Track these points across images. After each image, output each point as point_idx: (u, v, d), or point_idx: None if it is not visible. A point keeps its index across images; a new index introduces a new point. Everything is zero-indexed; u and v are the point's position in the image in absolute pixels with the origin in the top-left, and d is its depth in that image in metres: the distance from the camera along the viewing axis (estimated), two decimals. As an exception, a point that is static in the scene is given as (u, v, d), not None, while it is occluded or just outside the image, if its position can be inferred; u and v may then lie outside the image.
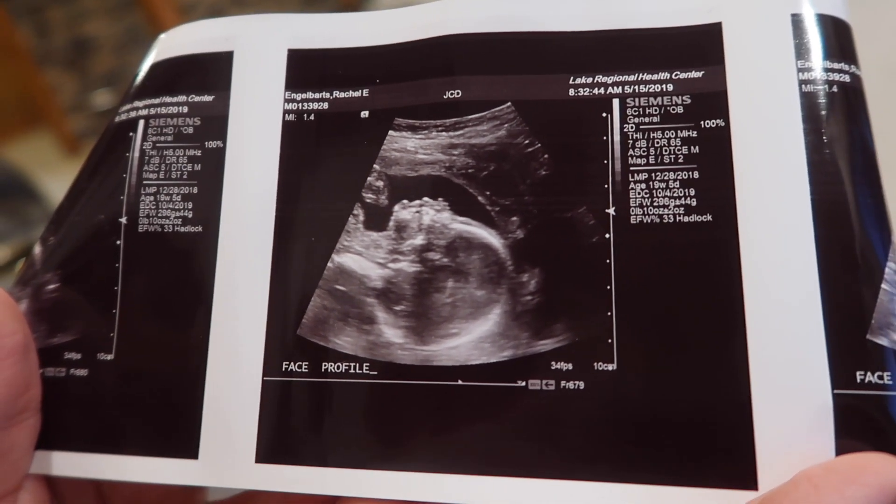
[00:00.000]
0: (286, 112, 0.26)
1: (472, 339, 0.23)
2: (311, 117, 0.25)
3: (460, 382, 0.22)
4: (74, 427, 0.25)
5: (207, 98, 0.26)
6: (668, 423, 0.21)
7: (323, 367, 0.23)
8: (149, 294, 0.25)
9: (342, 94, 0.25)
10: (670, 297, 0.22)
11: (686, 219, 0.22)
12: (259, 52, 0.26)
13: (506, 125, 0.24)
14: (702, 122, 0.22)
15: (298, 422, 0.23)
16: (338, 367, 0.23)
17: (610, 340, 0.22)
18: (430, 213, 0.24)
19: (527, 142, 0.23)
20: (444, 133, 0.24)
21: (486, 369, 0.22)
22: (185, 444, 0.24)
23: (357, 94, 0.25)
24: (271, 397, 0.24)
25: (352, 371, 0.23)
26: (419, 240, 0.24)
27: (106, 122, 0.28)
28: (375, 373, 0.23)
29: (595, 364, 0.22)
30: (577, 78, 0.24)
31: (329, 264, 0.24)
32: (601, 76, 0.23)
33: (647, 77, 0.23)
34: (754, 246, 0.21)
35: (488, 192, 0.23)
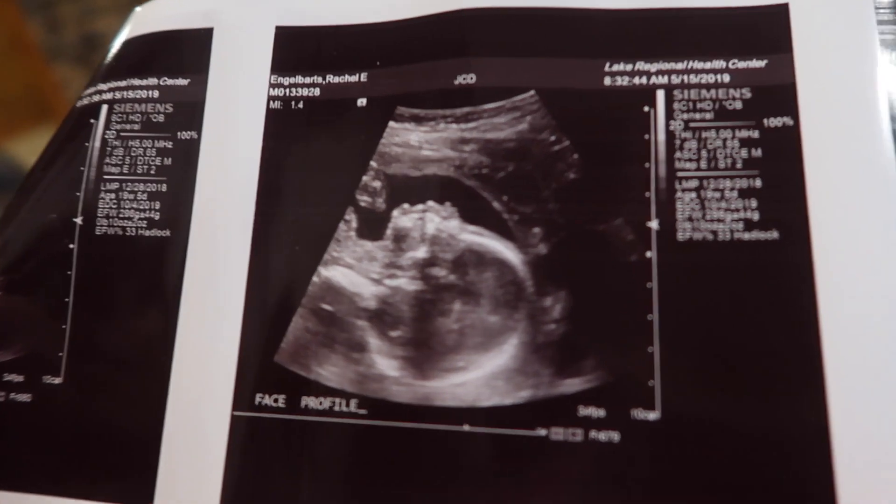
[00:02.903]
0: (271, 98, 0.22)
1: (482, 374, 0.19)
2: (300, 105, 0.22)
3: (467, 428, 0.18)
4: (11, 462, 0.21)
5: (182, 81, 0.23)
6: (723, 487, 0.17)
7: (302, 403, 0.20)
8: (105, 308, 0.21)
9: (336, 79, 0.22)
10: (726, 330, 0.18)
11: (746, 236, 0.18)
12: (242, 29, 0.23)
13: (528, 117, 0.20)
14: (765, 120, 0.19)
15: (271, 467, 0.19)
16: (320, 403, 0.19)
17: (651, 382, 0.18)
18: (435, 221, 0.20)
19: (553, 138, 0.20)
20: (454, 125, 0.20)
21: (498, 413, 0.18)
22: (138, 488, 0.20)
23: (353, 78, 0.21)
24: (241, 435, 0.20)
25: (336, 408, 0.19)
26: (421, 252, 0.20)
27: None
28: (364, 411, 0.19)
29: (633, 411, 0.18)
30: (614, 64, 0.20)
31: (314, 278, 0.20)
32: (643, 63, 0.20)
33: (699, 65, 0.19)
34: (832, 269, 0.17)
35: (505, 198, 0.20)
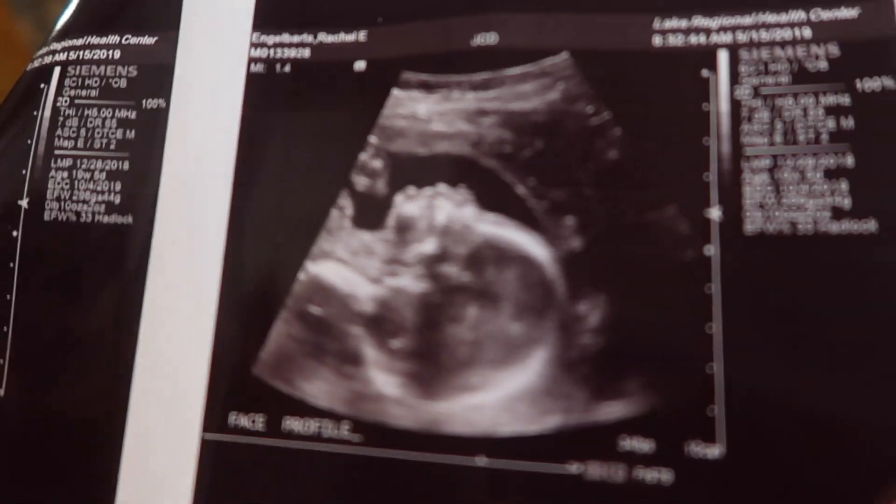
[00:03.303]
0: (252, 60, 0.19)
1: (501, 396, 0.15)
2: (287, 68, 0.18)
3: (481, 461, 0.15)
4: None
5: (148, 40, 0.19)
6: None
7: (285, 425, 0.16)
8: (54, 308, 0.18)
9: (330, 39, 0.18)
10: (808, 346, 0.14)
11: (835, 227, 0.14)
12: None
13: (560, 85, 0.16)
14: (858, 82, 0.15)
15: (247, 499, 0.16)
16: (305, 426, 0.16)
17: (711, 409, 0.14)
18: (446, 208, 0.16)
19: (590, 110, 0.16)
20: (470, 94, 0.17)
21: (521, 444, 0.15)
22: None
23: (351, 37, 0.18)
24: (211, 463, 0.16)
25: (325, 433, 0.16)
26: (429, 245, 0.16)
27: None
28: (358, 438, 0.16)
29: (688, 445, 0.14)
30: (665, 20, 0.16)
31: (301, 275, 0.17)
32: (702, 17, 0.16)
33: (772, 18, 0.16)
34: None
35: (532, 181, 0.16)
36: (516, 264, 0.16)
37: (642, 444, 0.14)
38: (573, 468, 0.14)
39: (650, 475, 0.14)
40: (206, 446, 0.17)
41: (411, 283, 0.16)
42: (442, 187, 0.17)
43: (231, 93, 0.18)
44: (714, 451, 0.14)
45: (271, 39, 0.19)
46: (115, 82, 0.19)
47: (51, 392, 0.18)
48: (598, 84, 0.16)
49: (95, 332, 0.18)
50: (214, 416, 0.17)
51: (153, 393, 0.17)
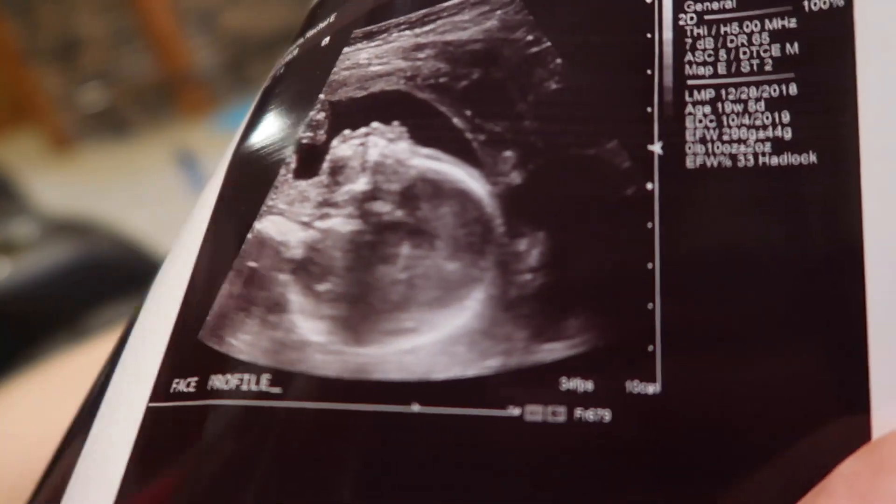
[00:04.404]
0: (268, 79, 0.19)
1: (437, 338, 0.14)
2: (281, 70, 0.19)
3: (416, 408, 0.14)
4: None
5: None
6: (735, 477, 0.13)
7: (209, 384, 0.15)
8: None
9: (311, 32, 0.18)
10: (747, 282, 0.14)
11: (775, 160, 0.14)
12: None
13: (498, 12, 0.16)
14: (805, 2, 0.14)
15: (168, 468, 0.15)
16: (227, 382, 0.15)
17: (651, 347, 0.14)
18: (379, 145, 0.16)
19: (530, 38, 0.15)
20: (407, 32, 0.16)
21: (458, 387, 0.14)
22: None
23: (324, 23, 0.18)
24: (149, 430, 0.15)
25: (245, 387, 0.15)
26: (361, 184, 0.15)
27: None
28: (279, 390, 0.15)
29: (628, 383, 0.14)
30: None
31: (249, 235, 0.16)
32: None
33: None
34: (886, 208, 0.13)
35: (469, 112, 0.15)
36: (452, 200, 0.15)
37: (583, 384, 0.14)
38: (514, 411, 0.14)
39: (590, 414, 0.14)
40: (147, 415, 0.16)
41: (341, 223, 0.15)
42: (376, 125, 0.16)
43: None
44: (652, 389, 0.13)
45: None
46: None
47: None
48: (538, 12, 0.16)
49: None
50: (160, 385, 0.16)
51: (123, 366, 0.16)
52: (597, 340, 0.14)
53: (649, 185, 0.14)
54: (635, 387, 0.14)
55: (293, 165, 0.16)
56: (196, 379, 0.15)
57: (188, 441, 0.15)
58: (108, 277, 0.56)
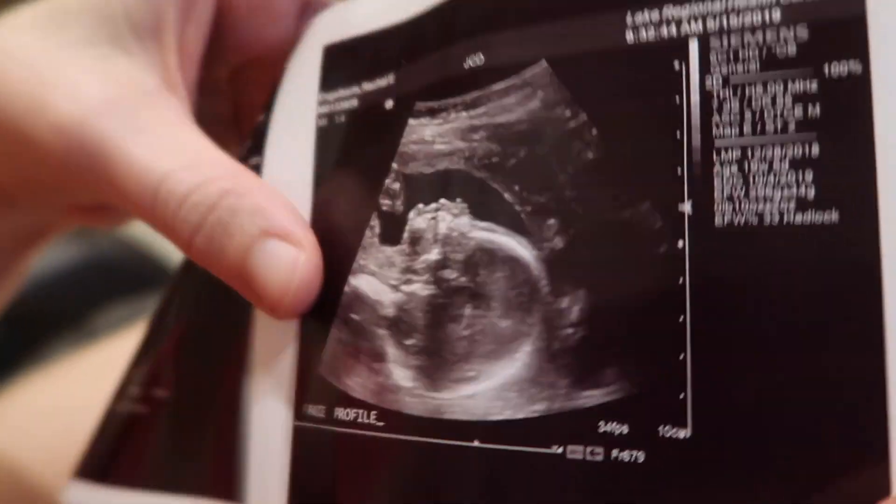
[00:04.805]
0: (319, 117, 0.21)
1: (493, 385, 0.17)
2: (343, 119, 0.21)
3: (476, 444, 0.17)
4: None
5: None
6: None
7: (335, 413, 0.19)
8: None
9: (370, 86, 0.21)
10: (775, 335, 0.15)
11: (798, 218, 0.15)
12: (297, 51, 0.23)
13: (539, 93, 0.17)
14: (826, 67, 0.15)
15: (320, 477, 0.19)
16: (347, 415, 0.19)
17: (682, 395, 0.15)
18: (446, 220, 0.18)
19: (568, 113, 0.17)
20: (463, 113, 0.18)
21: (510, 427, 0.17)
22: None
23: (383, 82, 0.20)
24: (300, 445, 0.20)
25: (360, 420, 0.19)
26: (434, 254, 0.18)
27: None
28: (382, 424, 0.18)
29: (661, 428, 0.15)
30: (637, 13, 0.17)
31: (346, 288, 0.20)
32: (672, 7, 0.16)
33: (742, 2, 0.16)
34: None
35: (517, 187, 0.17)
36: (505, 266, 0.17)
37: (620, 428, 0.16)
38: (557, 449, 0.16)
39: (626, 455, 0.15)
40: (296, 431, 0.20)
41: (420, 288, 0.18)
42: (444, 201, 0.18)
43: (305, 148, 0.22)
44: (683, 433, 0.15)
45: (332, 96, 0.21)
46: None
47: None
48: (574, 87, 0.17)
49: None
50: (298, 407, 0.20)
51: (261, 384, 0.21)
52: (631, 388, 0.16)
53: (680, 243, 0.16)
54: (668, 431, 0.15)
55: (377, 230, 0.19)
56: (324, 407, 0.19)
57: (322, 456, 0.19)
58: (113, 278, 0.54)
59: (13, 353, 0.48)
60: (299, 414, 0.20)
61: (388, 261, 0.19)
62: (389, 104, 0.20)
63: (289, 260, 0.19)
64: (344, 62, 0.22)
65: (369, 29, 0.21)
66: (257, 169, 0.22)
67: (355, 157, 0.21)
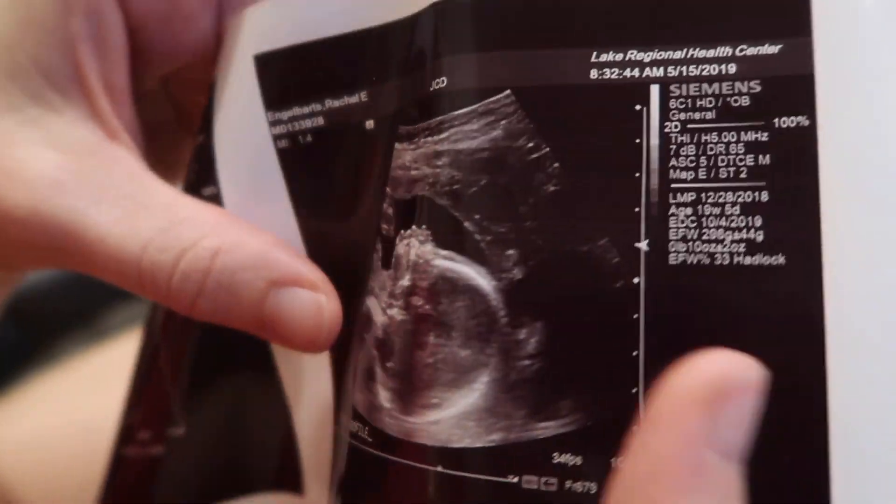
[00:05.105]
0: (277, 138, 0.21)
1: (454, 413, 0.17)
2: (310, 139, 0.20)
3: (440, 469, 0.17)
4: None
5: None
6: None
7: (352, 426, 0.20)
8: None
9: (336, 103, 0.20)
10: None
11: (747, 260, 0.15)
12: (223, 61, 0.22)
13: (503, 122, 0.18)
14: (776, 120, 0.15)
15: (350, 480, 0.20)
16: (353, 427, 0.19)
17: (636, 427, 0.16)
18: (415, 246, 0.18)
19: (531, 144, 0.17)
20: (429, 138, 0.18)
21: (469, 455, 0.17)
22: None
23: (354, 99, 0.20)
24: (337, 448, 0.21)
25: (359, 434, 0.19)
26: (406, 280, 0.18)
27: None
28: (371, 440, 0.19)
29: (613, 460, 0.16)
30: (602, 54, 0.17)
31: (363, 308, 0.20)
32: (636, 52, 0.17)
33: (701, 53, 0.16)
34: (846, 307, 0.14)
35: (477, 216, 0.18)
36: (465, 295, 0.17)
37: (573, 459, 0.16)
38: (513, 479, 0.16)
39: (579, 486, 0.16)
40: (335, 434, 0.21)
41: (397, 312, 0.18)
42: (414, 228, 0.18)
43: (270, 173, 0.21)
44: None
45: (285, 115, 0.21)
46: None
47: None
48: (537, 119, 0.17)
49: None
50: (337, 415, 0.21)
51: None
52: (586, 420, 0.16)
53: (636, 280, 0.16)
54: (621, 463, 0.16)
55: (380, 254, 0.19)
56: (345, 417, 0.20)
57: (339, 462, 0.20)
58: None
59: (25, 353, 0.47)
60: (336, 421, 0.21)
61: (382, 284, 0.19)
62: (370, 125, 0.20)
63: (313, 306, 0.19)
64: (290, 75, 0.21)
65: (313, 37, 0.21)
66: (215, 199, 0.22)
67: (343, 180, 0.20)
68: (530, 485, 0.16)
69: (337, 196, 0.21)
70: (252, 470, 0.23)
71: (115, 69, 0.21)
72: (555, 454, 0.16)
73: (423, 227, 0.18)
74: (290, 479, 0.22)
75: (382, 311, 0.19)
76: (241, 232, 0.20)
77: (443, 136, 0.18)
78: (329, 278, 0.20)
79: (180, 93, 0.26)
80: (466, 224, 0.18)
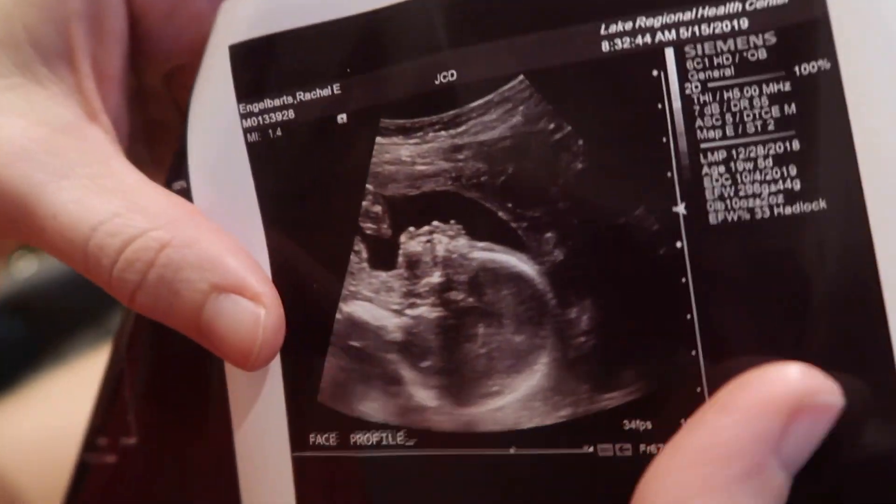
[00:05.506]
0: (247, 131, 0.20)
1: (518, 397, 0.18)
2: (279, 132, 0.20)
3: (513, 451, 0.18)
4: None
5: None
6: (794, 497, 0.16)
7: (352, 439, 0.19)
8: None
9: (307, 95, 0.20)
10: (780, 323, 0.16)
11: (787, 210, 0.16)
12: (205, 53, 0.21)
13: (520, 108, 0.18)
14: (796, 68, 0.16)
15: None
16: (368, 439, 0.19)
17: (699, 389, 0.16)
18: (443, 242, 0.18)
19: (552, 126, 0.17)
20: (443, 132, 0.18)
21: (542, 433, 0.17)
22: None
23: (325, 91, 0.19)
24: (304, 476, 0.20)
25: (385, 442, 0.19)
26: (436, 277, 0.18)
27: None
28: (413, 442, 0.19)
29: (682, 421, 0.16)
30: (610, 25, 0.17)
31: (338, 315, 0.19)
32: (644, 18, 0.17)
33: (710, 12, 0.16)
34: (894, 240, 0.15)
35: (510, 204, 0.18)
36: (510, 283, 0.18)
37: (644, 424, 0.17)
38: (589, 449, 0.17)
39: (654, 448, 0.17)
40: (295, 463, 0.20)
41: (427, 311, 0.18)
42: (437, 224, 0.18)
43: (239, 167, 0.20)
44: None
45: (257, 107, 0.20)
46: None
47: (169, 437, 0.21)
48: (555, 100, 0.17)
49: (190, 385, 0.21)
50: (297, 439, 0.20)
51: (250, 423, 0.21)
52: (649, 388, 0.17)
53: (678, 244, 0.16)
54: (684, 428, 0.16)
55: (365, 255, 0.19)
56: (334, 434, 0.19)
57: (346, 484, 0.20)
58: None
59: (32, 352, 0.47)
60: (299, 444, 0.20)
61: (384, 286, 0.19)
62: (342, 118, 0.19)
63: (249, 318, 0.19)
64: (263, 66, 0.20)
65: (286, 27, 0.20)
66: (184, 194, 0.21)
67: (311, 176, 0.20)
68: (606, 452, 0.17)
69: (303, 194, 0.20)
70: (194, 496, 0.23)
71: (110, 53, 0.21)
72: (625, 421, 0.17)
73: (452, 222, 0.18)
74: None
75: (395, 312, 0.19)
76: (197, 231, 0.19)
77: (461, 129, 0.18)
78: (293, 284, 0.20)
79: (182, 93, 0.25)
80: (500, 214, 0.18)
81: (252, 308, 0.19)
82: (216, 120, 0.21)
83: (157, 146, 0.25)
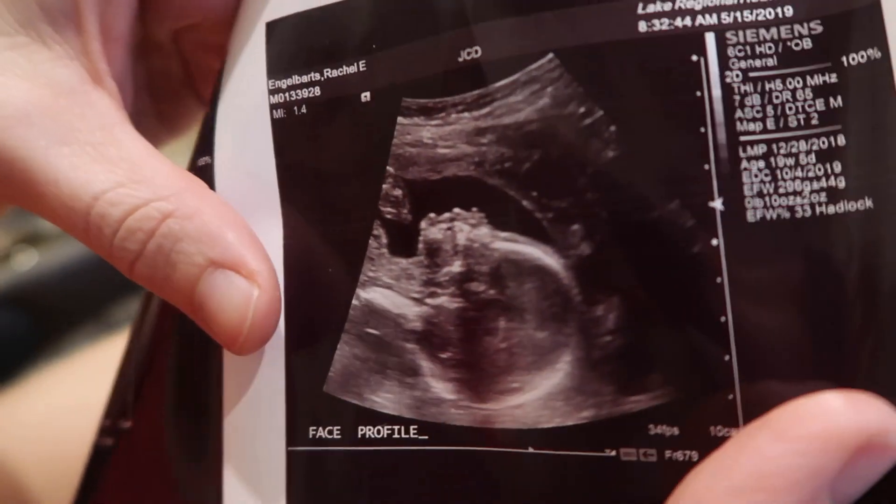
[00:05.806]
0: (274, 107, 0.19)
1: (539, 395, 0.17)
2: (304, 109, 0.19)
3: (531, 450, 0.17)
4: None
5: None
6: None
7: (359, 432, 0.18)
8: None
9: (334, 72, 0.19)
10: (818, 327, 0.15)
11: (831, 209, 0.15)
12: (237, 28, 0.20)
13: (549, 89, 0.17)
14: (843, 59, 0.15)
15: (334, 501, 0.19)
16: (378, 432, 0.18)
17: (731, 396, 0.15)
18: (464, 230, 0.17)
19: (582, 110, 0.16)
20: (466, 114, 0.17)
21: (562, 434, 0.17)
22: None
23: (351, 69, 0.18)
24: (299, 472, 0.19)
25: (396, 436, 0.18)
26: (456, 266, 0.17)
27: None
28: (426, 437, 0.18)
29: (712, 428, 0.16)
30: (648, 4, 0.16)
31: (355, 301, 0.19)
32: (685, 0, 0.16)
33: None
34: None
35: (535, 193, 0.17)
36: (533, 276, 0.17)
37: (670, 430, 0.16)
38: (611, 453, 0.16)
39: (679, 455, 0.16)
40: (291, 458, 0.19)
41: (448, 301, 0.18)
42: (458, 211, 0.17)
43: (262, 143, 0.20)
44: (735, 433, 0.15)
45: (285, 83, 0.19)
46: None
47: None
48: (587, 82, 0.16)
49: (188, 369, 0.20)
50: (296, 431, 0.19)
51: (241, 416, 0.20)
52: (678, 392, 0.16)
53: (714, 241, 0.16)
54: (720, 431, 0.16)
55: (385, 240, 0.18)
56: (339, 427, 0.19)
57: (350, 481, 0.19)
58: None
59: (33, 344, 0.48)
60: (296, 438, 0.19)
61: (404, 273, 0.18)
62: (366, 97, 0.19)
63: (241, 296, 0.18)
64: (294, 42, 0.20)
65: (321, 3, 0.19)
66: (206, 170, 0.20)
67: (332, 156, 0.19)
68: (629, 457, 0.16)
69: (323, 174, 0.19)
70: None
71: (118, 14, 0.20)
72: (650, 426, 0.16)
73: (474, 209, 0.17)
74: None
75: (416, 301, 0.18)
76: (201, 203, 0.19)
77: (484, 111, 0.17)
78: (305, 267, 0.19)
79: (190, 51, 0.25)
80: (525, 203, 0.17)
81: (245, 286, 0.18)
82: (246, 96, 0.20)
83: (161, 98, 0.25)
